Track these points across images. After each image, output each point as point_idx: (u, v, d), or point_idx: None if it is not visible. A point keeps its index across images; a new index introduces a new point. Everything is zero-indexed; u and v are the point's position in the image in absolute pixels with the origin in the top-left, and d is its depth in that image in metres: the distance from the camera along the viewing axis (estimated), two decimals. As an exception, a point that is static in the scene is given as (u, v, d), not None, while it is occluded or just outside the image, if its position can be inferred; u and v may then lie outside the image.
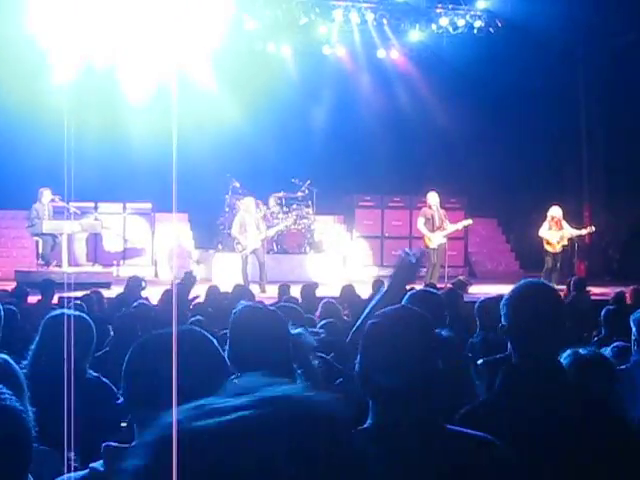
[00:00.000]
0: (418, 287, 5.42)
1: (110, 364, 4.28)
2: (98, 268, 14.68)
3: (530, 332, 2.45)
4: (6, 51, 13.35)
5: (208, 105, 15.02)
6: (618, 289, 8.99)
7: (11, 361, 2.43)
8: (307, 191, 15.84)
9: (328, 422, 0.89)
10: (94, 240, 15.54)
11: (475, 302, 5.85)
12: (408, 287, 4.03)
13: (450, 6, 16.83)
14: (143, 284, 9.05)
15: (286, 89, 16.57)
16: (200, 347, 1.86)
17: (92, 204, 15.52)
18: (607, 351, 4.44)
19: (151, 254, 16.12)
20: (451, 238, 14.30)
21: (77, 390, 2.31)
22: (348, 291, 9.02)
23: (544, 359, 2.46)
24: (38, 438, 1.59)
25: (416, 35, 17.35)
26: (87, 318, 3.93)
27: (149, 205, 16.15)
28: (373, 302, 3.33)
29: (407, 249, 3.63)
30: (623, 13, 16.14)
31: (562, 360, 2.81)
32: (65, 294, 8.76)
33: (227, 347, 2.71)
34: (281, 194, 15.78)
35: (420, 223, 14.05)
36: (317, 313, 7.30)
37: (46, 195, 13.52)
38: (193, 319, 5.82)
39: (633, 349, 4.46)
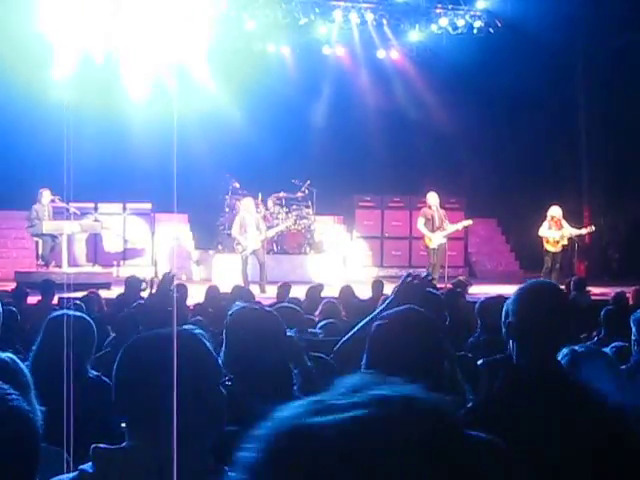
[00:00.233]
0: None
1: (111, 365, 4.28)
2: (98, 269, 14.67)
3: (541, 327, 2.45)
4: (6, 51, 13.33)
5: (208, 105, 15.03)
6: (618, 289, 8.99)
7: (17, 360, 2.43)
8: (307, 191, 15.82)
9: (448, 421, 0.91)
10: (94, 240, 15.54)
11: (475, 302, 5.86)
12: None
13: (450, 6, 16.84)
14: (143, 285, 9.01)
15: (286, 89, 16.58)
16: (191, 348, 1.83)
17: (92, 204, 15.53)
18: (607, 351, 4.44)
19: (151, 254, 16.10)
20: (451, 238, 14.29)
21: (79, 389, 2.32)
22: (346, 292, 9.01)
23: (547, 358, 2.46)
24: (42, 438, 1.59)
25: (416, 35, 17.37)
26: (88, 319, 3.95)
27: (149, 205, 16.14)
28: (367, 319, 3.28)
29: (412, 271, 3.59)
30: (623, 13, 16.15)
31: (560, 359, 2.81)
32: (65, 295, 8.75)
33: (223, 348, 2.72)
34: (281, 194, 15.76)
35: (420, 223, 14.04)
36: (317, 313, 7.29)
37: (46, 196, 13.51)
38: (193, 319, 5.83)
39: (633, 349, 4.46)
